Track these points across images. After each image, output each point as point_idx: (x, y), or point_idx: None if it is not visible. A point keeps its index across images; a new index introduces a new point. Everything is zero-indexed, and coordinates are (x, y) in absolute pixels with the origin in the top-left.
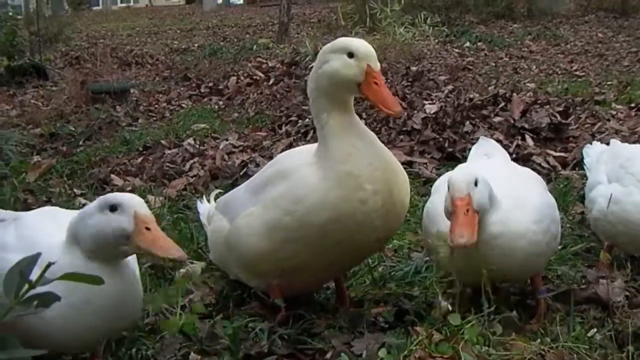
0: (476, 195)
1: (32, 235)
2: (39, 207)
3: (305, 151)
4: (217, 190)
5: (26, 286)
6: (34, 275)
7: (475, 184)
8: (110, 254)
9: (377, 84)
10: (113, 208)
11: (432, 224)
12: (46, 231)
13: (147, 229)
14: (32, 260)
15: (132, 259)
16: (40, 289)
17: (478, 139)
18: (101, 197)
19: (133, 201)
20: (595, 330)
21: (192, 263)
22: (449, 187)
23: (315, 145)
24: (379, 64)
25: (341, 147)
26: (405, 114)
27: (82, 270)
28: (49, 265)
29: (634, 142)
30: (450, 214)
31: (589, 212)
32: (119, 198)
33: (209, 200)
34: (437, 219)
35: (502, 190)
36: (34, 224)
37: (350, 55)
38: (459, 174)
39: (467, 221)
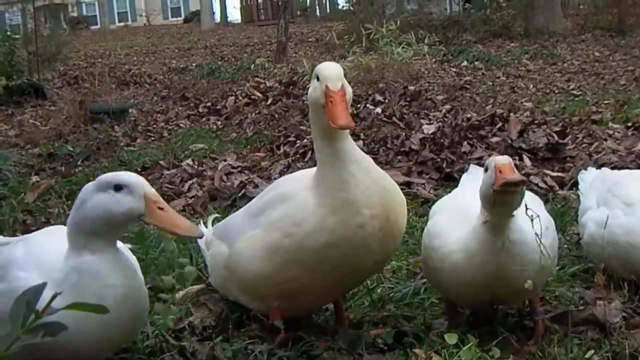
0: None
1: (40, 252)
2: (38, 228)
3: (305, 175)
4: (215, 215)
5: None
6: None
7: None
8: (119, 231)
9: (332, 102)
10: (118, 187)
11: (436, 238)
12: (54, 248)
13: (160, 208)
14: (39, 289)
15: (131, 257)
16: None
17: (476, 159)
18: (100, 177)
19: (140, 181)
20: (592, 351)
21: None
22: (486, 169)
23: (314, 169)
24: (338, 84)
25: (336, 175)
26: (404, 134)
27: (86, 269)
28: (55, 295)
29: (631, 162)
30: (492, 184)
31: (582, 237)
32: (125, 178)
33: (206, 225)
34: (440, 234)
35: None
36: (42, 242)
37: (318, 78)
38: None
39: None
